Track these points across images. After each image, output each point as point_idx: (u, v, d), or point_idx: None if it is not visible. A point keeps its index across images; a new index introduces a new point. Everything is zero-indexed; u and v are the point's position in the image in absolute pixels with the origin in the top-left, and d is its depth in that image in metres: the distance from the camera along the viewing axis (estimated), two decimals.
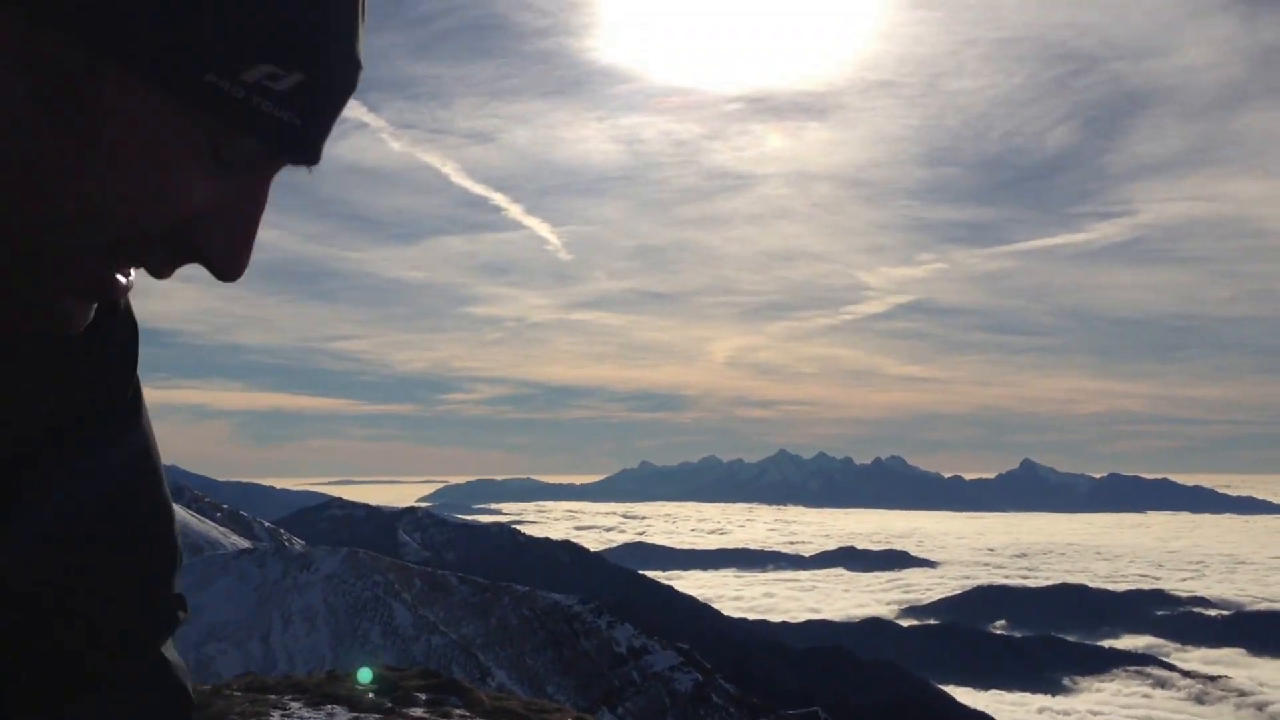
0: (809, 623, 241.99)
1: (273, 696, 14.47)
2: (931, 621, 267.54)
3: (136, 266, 1.75)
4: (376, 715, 13.13)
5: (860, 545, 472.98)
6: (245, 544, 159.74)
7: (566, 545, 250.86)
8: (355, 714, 13.34)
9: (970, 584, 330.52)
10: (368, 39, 1.77)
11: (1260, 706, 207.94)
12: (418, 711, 13.31)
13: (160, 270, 1.76)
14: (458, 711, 14.59)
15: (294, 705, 13.83)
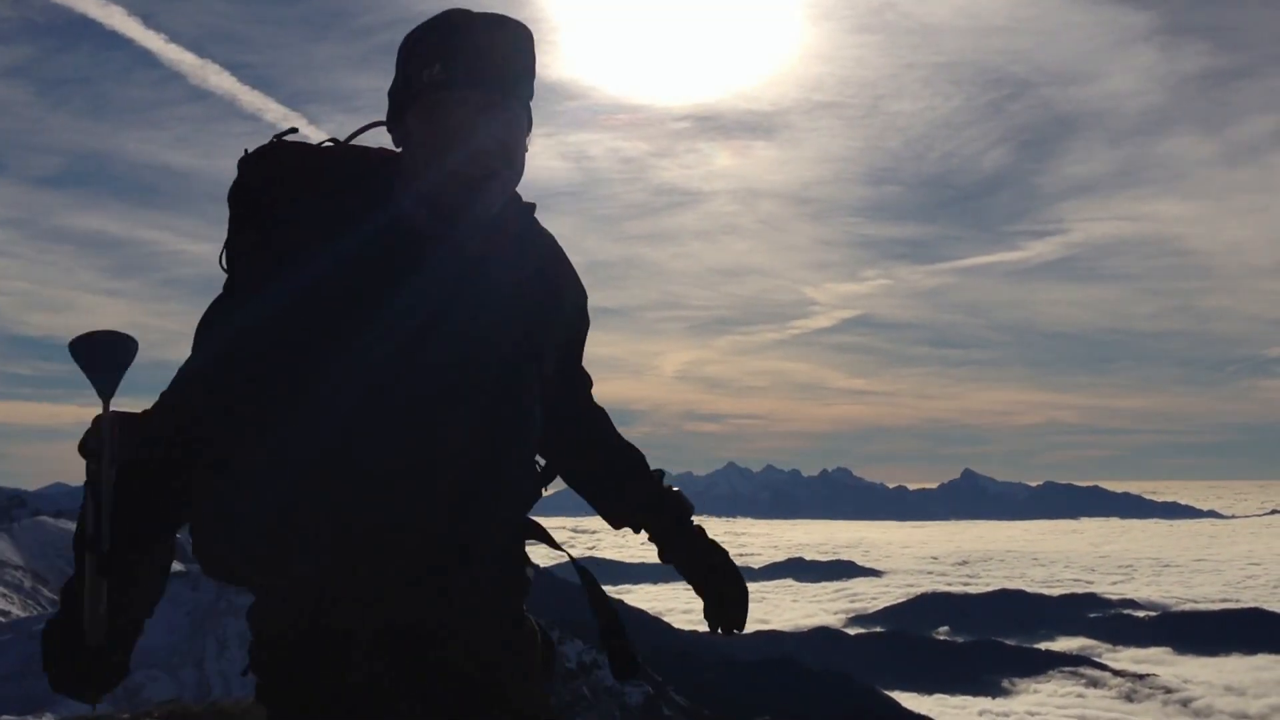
0: (759, 634, 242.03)
1: None
2: (878, 629, 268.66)
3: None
4: None
5: (808, 556, 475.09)
6: (178, 566, 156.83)
7: None
8: None
9: (914, 591, 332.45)
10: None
11: (1185, 702, 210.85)
12: None
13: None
14: None
15: None
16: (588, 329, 3.40)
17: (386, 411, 2.84)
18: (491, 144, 2.89)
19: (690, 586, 3.48)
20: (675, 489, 3.56)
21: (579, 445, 3.45)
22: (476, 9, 2.86)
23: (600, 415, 3.51)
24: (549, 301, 3.09)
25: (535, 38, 2.94)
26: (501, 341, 2.96)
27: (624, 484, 3.50)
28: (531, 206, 3.17)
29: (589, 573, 3.43)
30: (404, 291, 2.87)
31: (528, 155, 3.00)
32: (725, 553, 3.55)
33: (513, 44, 2.92)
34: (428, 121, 2.90)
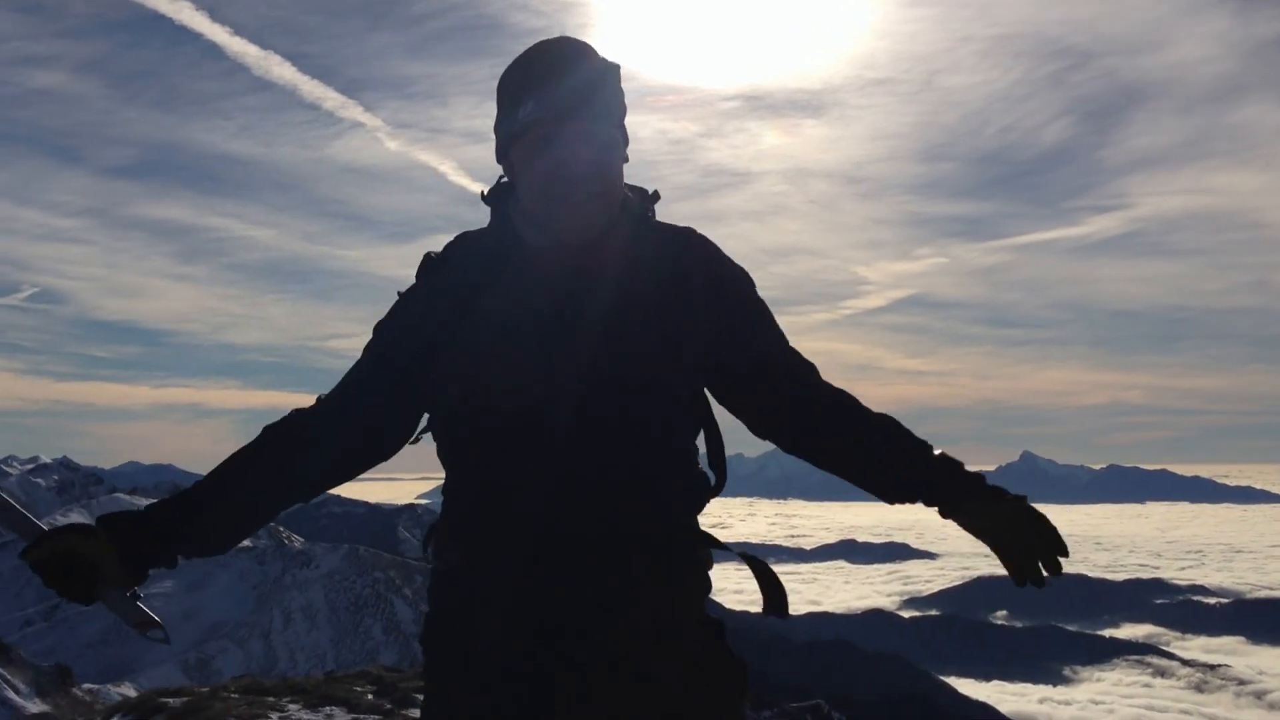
0: (811, 615, 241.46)
1: (270, 699, 14.35)
2: (933, 613, 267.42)
3: None
4: (376, 717, 13.01)
5: (861, 538, 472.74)
6: (245, 542, 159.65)
7: None
8: (354, 715, 13.23)
9: (971, 575, 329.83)
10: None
11: (1260, 694, 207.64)
12: (418, 713, 13.19)
13: None
14: None
15: (292, 708, 13.71)
16: (754, 313, 3.38)
17: (504, 415, 3.09)
18: (586, 168, 3.13)
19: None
20: (939, 451, 3.32)
21: (814, 431, 3.36)
22: (562, 39, 3.30)
23: (834, 396, 3.36)
24: (673, 300, 3.20)
25: (620, 67, 3.31)
26: (622, 347, 3.10)
27: (884, 460, 3.32)
28: (646, 204, 3.39)
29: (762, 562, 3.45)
30: (525, 307, 3.15)
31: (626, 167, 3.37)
32: (1013, 499, 3.24)
33: (598, 73, 3.21)
34: (529, 156, 3.17)
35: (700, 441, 3.38)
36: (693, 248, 3.32)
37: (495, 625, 3.10)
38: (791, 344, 3.41)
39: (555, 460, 3.05)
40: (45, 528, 3.17)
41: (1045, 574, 3.16)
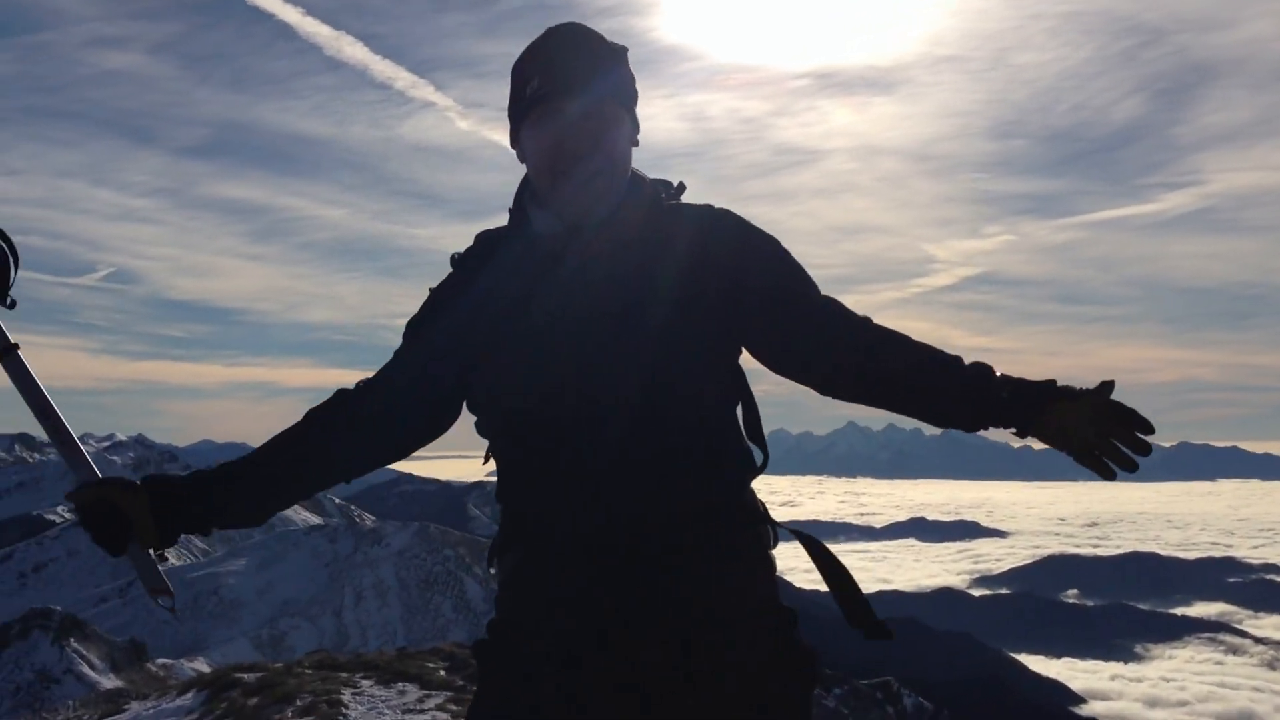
0: (880, 593, 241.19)
1: (343, 675, 14.46)
2: (1003, 591, 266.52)
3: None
4: (447, 693, 13.09)
5: (931, 516, 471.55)
6: (316, 520, 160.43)
7: None
8: (426, 691, 13.30)
9: (1041, 553, 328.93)
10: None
11: None
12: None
13: None
14: None
15: (365, 683, 13.81)
16: (787, 275, 3.31)
17: (540, 411, 3.09)
18: (590, 143, 3.15)
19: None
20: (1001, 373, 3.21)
21: (877, 376, 3.27)
22: (571, 23, 3.31)
23: (889, 337, 3.26)
24: (697, 277, 3.17)
25: (627, 50, 3.32)
26: (649, 329, 3.07)
27: (953, 389, 3.20)
28: (662, 190, 3.37)
29: (815, 540, 3.44)
30: (547, 300, 3.16)
31: (634, 149, 3.36)
32: (1087, 393, 3.12)
33: (603, 53, 3.21)
34: (535, 134, 3.20)
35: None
36: (712, 223, 3.30)
37: (552, 623, 3.08)
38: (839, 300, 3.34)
39: (597, 452, 3.04)
40: (99, 475, 3.25)
41: (1134, 456, 3.08)
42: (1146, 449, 3.09)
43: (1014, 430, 3.19)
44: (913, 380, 3.23)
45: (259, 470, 3.28)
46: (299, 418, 3.32)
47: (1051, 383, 3.15)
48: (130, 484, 3.21)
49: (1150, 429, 3.06)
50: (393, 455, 3.42)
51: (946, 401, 3.22)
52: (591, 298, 3.12)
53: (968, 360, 3.23)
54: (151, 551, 3.28)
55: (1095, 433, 3.08)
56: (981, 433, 3.27)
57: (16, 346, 3.34)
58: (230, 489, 3.26)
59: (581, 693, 3.03)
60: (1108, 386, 3.10)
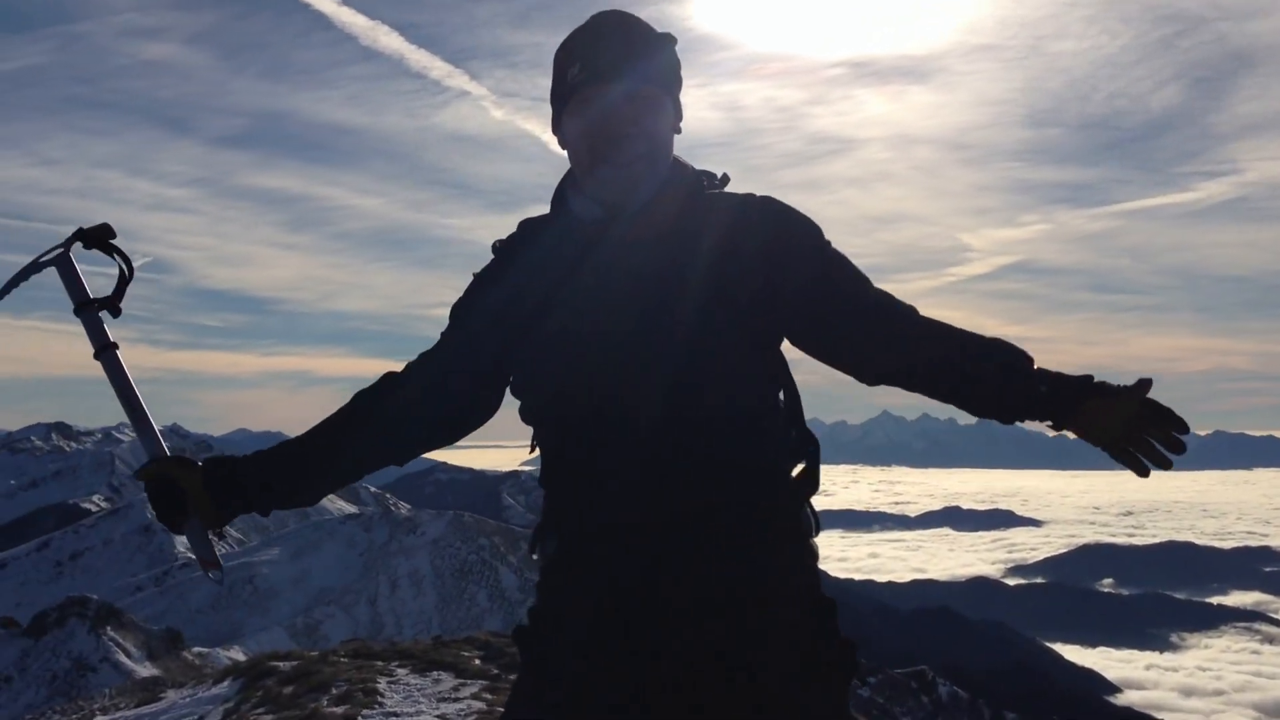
0: (915, 583, 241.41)
1: (379, 663, 14.49)
2: (1038, 580, 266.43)
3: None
4: (482, 682, 13.10)
5: (965, 505, 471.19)
6: (351, 509, 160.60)
7: None
8: (461, 680, 13.31)
9: (1076, 542, 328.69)
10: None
11: None
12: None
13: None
14: None
15: (400, 672, 13.83)
16: (826, 261, 3.30)
17: (582, 398, 3.09)
18: (632, 131, 3.15)
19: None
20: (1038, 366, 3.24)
21: (916, 364, 3.29)
22: (614, 10, 3.30)
23: (930, 326, 3.28)
24: (735, 265, 3.15)
25: (675, 39, 3.28)
26: (689, 316, 3.06)
27: (994, 380, 3.22)
28: (702, 179, 3.35)
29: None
30: (588, 287, 3.15)
31: (677, 137, 3.34)
32: (1124, 390, 3.16)
33: (647, 35, 3.21)
34: (576, 120, 3.20)
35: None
36: (751, 211, 3.28)
37: (590, 611, 3.07)
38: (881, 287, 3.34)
39: (632, 440, 3.04)
40: (167, 452, 3.37)
41: (1168, 455, 3.13)
42: (1181, 447, 3.12)
43: (1050, 424, 3.21)
44: (953, 373, 3.25)
45: (311, 451, 3.33)
46: (335, 407, 3.36)
47: (1089, 378, 3.18)
48: (190, 463, 3.29)
49: (1185, 428, 3.09)
50: (438, 439, 3.44)
51: (986, 394, 3.25)
52: (628, 284, 3.11)
53: (1004, 346, 3.25)
54: (211, 531, 3.36)
55: (1130, 429, 3.12)
56: (1017, 423, 3.29)
57: (115, 345, 3.51)
58: (284, 469, 3.32)
59: (621, 681, 3.01)
60: (1145, 384, 3.12)
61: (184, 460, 3.31)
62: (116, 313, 3.55)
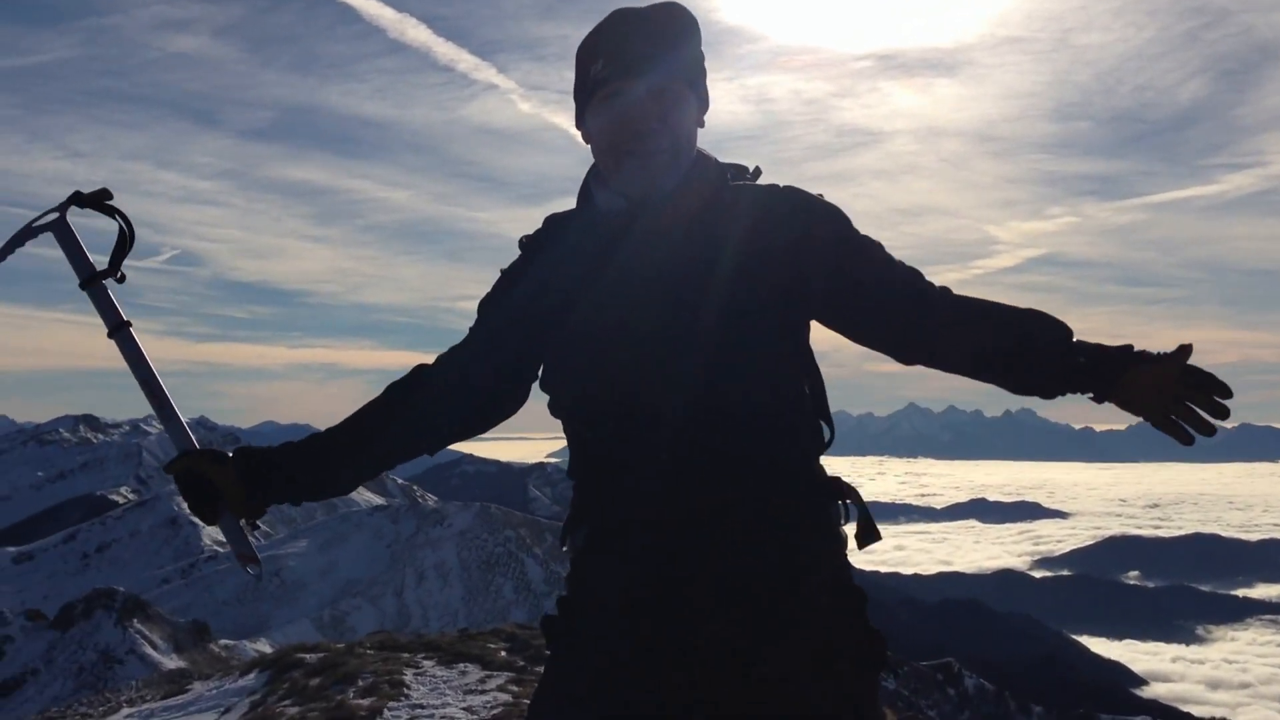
0: (941, 575, 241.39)
1: (405, 655, 14.51)
2: (1064, 573, 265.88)
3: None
4: (508, 674, 13.12)
5: (992, 497, 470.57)
6: (379, 500, 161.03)
7: None
8: (487, 671, 13.34)
9: (1102, 535, 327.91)
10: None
11: None
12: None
13: None
14: None
15: (426, 663, 13.86)
16: (854, 247, 3.27)
17: (610, 390, 3.10)
18: (655, 124, 3.14)
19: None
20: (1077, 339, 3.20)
21: (955, 343, 3.26)
22: (640, 3, 3.31)
23: (967, 305, 3.26)
24: (762, 254, 3.14)
25: (698, 21, 3.25)
26: (716, 306, 3.06)
27: (1033, 357, 3.19)
28: (726, 172, 3.34)
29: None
30: (616, 279, 3.16)
31: (700, 131, 3.36)
32: (1165, 357, 3.08)
33: (671, 31, 3.18)
34: (599, 115, 3.19)
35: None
36: (777, 202, 3.26)
37: (618, 601, 3.08)
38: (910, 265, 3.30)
39: (660, 433, 3.03)
40: (196, 445, 3.36)
41: (1212, 421, 3.05)
42: (1225, 412, 3.05)
43: (1091, 396, 3.16)
44: (991, 351, 3.23)
45: (342, 441, 3.33)
46: (363, 398, 3.38)
47: (1128, 348, 3.13)
48: (220, 455, 3.29)
49: (1228, 392, 3.03)
50: (467, 430, 3.46)
51: (1026, 370, 3.22)
52: (653, 277, 3.10)
53: (1042, 320, 3.22)
54: (243, 522, 3.35)
55: (1172, 398, 3.05)
56: (1059, 397, 3.26)
57: (129, 324, 3.44)
58: (316, 460, 3.33)
59: (648, 671, 3.00)
60: (1185, 351, 3.06)
61: (213, 452, 3.31)
62: (121, 278, 3.49)
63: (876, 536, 3.25)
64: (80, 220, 3.57)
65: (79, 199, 3.50)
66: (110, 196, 3.52)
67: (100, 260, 3.51)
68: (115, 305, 3.45)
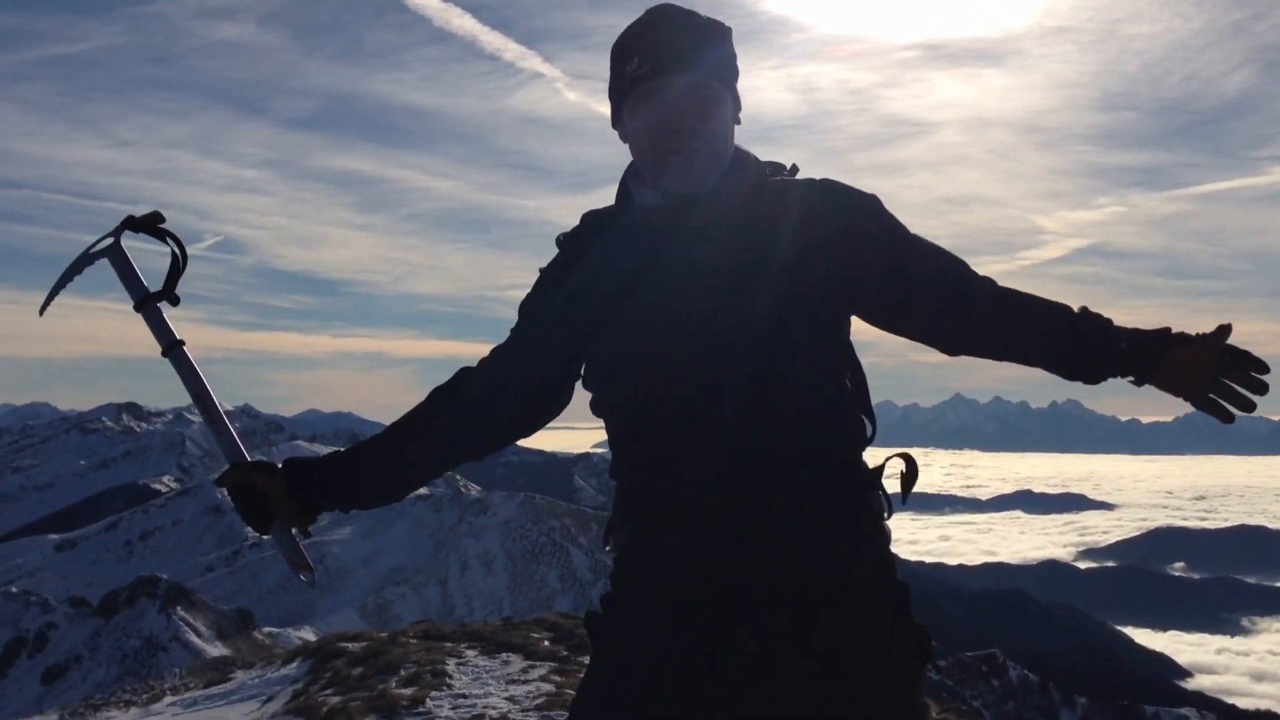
0: (986, 566, 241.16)
1: (448, 644, 14.45)
2: (1110, 564, 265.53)
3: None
4: (551, 664, 13.04)
5: (1037, 488, 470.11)
6: (422, 490, 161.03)
7: None
8: (530, 661, 13.27)
9: (1148, 526, 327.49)
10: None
11: None
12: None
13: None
14: None
15: (469, 653, 13.79)
16: (893, 236, 3.26)
17: (652, 388, 3.08)
18: (692, 121, 3.11)
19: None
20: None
21: (997, 330, 3.27)
22: (671, 5, 3.26)
23: (1006, 293, 3.28)
24: (802, 248, 3.13)
25: (731, 27, 3.29)
26: (745, 298, 3.05)
27: (1073, 341, 3.19)
28: (765, 169, 3.35)
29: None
30: (643, 270, 3.16)
31: (737, 127, 3.30)
32: (1204, 337, 3.12)
33: (705, 28, 3.19)
34: (636, 112, 3.17)
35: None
36: (816, 196, 3.25)
37: (661, 598, 3.09)
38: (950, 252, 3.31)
39: (704, 431, 3.04)
40: (247, 458, 3.40)
41: (1252, 398, 3.12)
42: (1263, 388, 3.11)
43: (1132, 379, 3.19)
44: (1035, 338, 3.24)
45: (390, 449, 3.35)
46: (407, 389, 3.36)
47: (1167, 330, 3.17)
48: (271, 466, 3.33)
49: (1265, 368, 3.08)
50: (513, 433, 3.45)
51: (1067, 355, 3.22)
52: (696, 275, 3.11)
53: (1082, 310, 3.23)
54: (295, 530, 3.41)
55: (1211, 376, 3.10)
56: (1101, 382, 3.27)
57: (182, 342, 3.51)
58: (364, 468, 3.36)
59: (693, 669, 3.02)
60: (1224, 330, 3.10)
61: (263, 464, 3.36)
62: (175, 301, 3.52)
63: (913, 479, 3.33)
64: (130, 242, 3.60)
65: (132, 223, 3.54)
66: (162, 220, 3.56)
67: (154, 281, 3.54)
68: (168, 325, 3.52)
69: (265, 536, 3.42)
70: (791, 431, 3.05)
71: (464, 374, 3.38)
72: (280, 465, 3.33)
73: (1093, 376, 3.23)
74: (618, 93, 3.24)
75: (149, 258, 3.56)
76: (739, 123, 3.28)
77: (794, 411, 3.06)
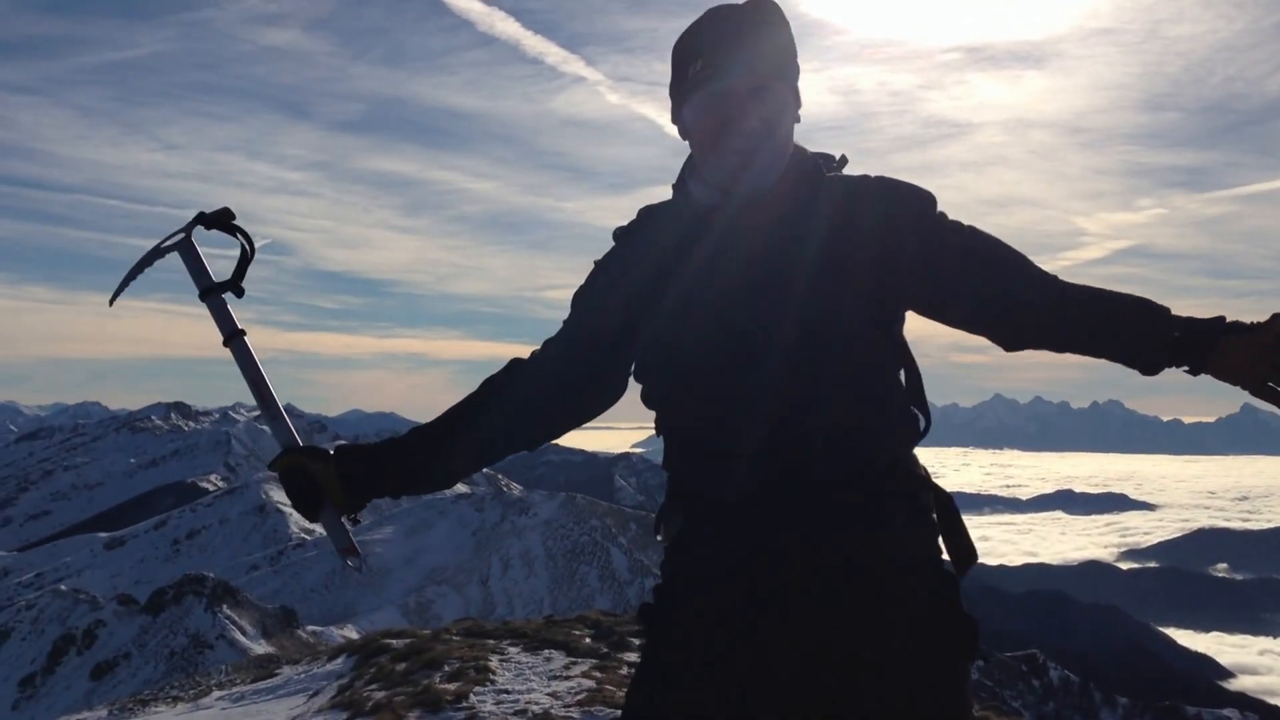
0: (1026, 566, 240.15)
1: (490, 642, 14.66)
2: (1151, 564, 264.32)
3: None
4: (592, 660, 13.25)
5: (1078, 489, 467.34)
6: (464, 489, 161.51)
7: None
8: (572, 658, 13.45)
9: (1191, 527, 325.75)
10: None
11: None
12: (633, 657, 13.38)
13: None
14: None
15: (512, 650, 13.98)
16: (945, 231, 3.28)
17: (706, 376, 3.15)
18: (756, 123, 3.15)
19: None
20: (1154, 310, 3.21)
21: (1053, 321, 3.25)
22: (733, 4, 3.30)
23: (1058, 285, 3.26)
24: (854, 244, 3.17)
25: (789, 20, 3.27)
26: (811, 296, 3.10)
27: (1131, 331, 3.19)
28: (820, 163, 3.35)
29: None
30: (712, 269, 3.19)
31: (797, 127, 3.32)
32: (1259, 326, 3.10)
33: (768, 29, 3.20)
34: (699, 114, 3.21)
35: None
36: (864, 189, 3.29)
37: (711, 588, 3.11)
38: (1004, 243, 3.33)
39: (751, 421, 3.06)
40: (300, 443, 3.46)
41: None
42: None
43: (1187, 369, 3.16)
44: (1089, 326, 3.24)
45: (441, 436, 3.40)
46: (450, 389, 3.49)
47: (1221, 318, 3.13)
48: (322, 452, 3.38)
49: None
50: (566, 423, 3.51)
51: (1123, 344, 3.22)
52: (750, 269, 3.13)
53: (1142, 300, 3.23)
54: (344, 517, 3.44)
55: (1268, 365, 3.05)
56: (1158, 372, 3.25)
57: (243, 332, 3.61)
58: (415, 455, 3.39)
59: (742, 655, 3.03)
60: (1279, 319, 3.05)
61: (315, 449, 3.40)
62: (240, 293, 3.65)
63: (972, 558, 3.30)
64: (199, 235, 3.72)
65: (203, 219, 3.66)
66: (233, 216, 3.68)
67: (221, 274, 3.66)
68: (231, 315, 3.62)
69: (313, 522, 3.47)
70: (837, 421, 3.07)
71: (516, 364, 3.43)
72: (332, 451, 3.40)
73: (1148, 367, 3.24)
74: (679, 93, 3.28)
75: (210, 260, 3.77)
76: (799, 120, 3.32)
77: (839, 401, 3.08)
